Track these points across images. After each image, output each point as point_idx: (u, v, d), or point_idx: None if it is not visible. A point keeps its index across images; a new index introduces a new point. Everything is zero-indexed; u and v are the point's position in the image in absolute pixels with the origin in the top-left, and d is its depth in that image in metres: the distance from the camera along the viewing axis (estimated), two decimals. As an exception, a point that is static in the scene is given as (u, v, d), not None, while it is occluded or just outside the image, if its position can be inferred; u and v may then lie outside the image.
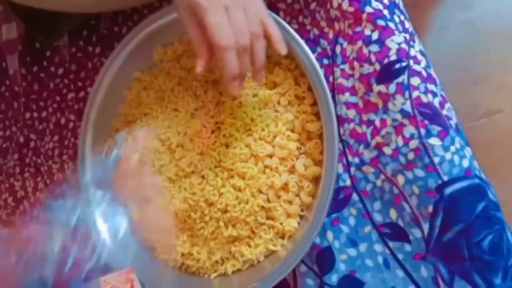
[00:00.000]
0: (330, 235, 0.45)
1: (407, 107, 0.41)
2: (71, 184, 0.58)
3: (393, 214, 0.43)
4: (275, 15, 0.45)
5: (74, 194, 0.56)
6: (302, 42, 0.44)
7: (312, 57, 0.44)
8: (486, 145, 0.66)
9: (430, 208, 0.41)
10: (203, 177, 0.46)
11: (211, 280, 0.48)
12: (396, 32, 0.42)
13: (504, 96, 0.65)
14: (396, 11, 0.44)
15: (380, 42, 0.43)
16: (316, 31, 0.48)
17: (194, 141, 0.46)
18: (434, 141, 0.41)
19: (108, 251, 0.51)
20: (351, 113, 0.45)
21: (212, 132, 0.46)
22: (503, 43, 0.66)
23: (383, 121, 0.43)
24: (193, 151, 0.46)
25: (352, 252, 0.45)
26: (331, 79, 0.47)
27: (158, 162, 0.48)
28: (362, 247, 0.45)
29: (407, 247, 0.43)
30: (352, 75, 0.45)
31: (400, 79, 0.42)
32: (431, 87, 0.42)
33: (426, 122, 0.41)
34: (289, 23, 0.48)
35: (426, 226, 0.42)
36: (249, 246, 0.46)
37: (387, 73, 0.42)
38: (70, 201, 0.42)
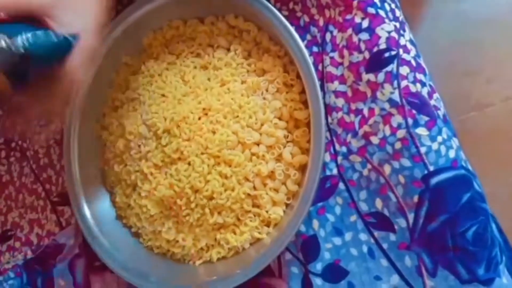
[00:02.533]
0: (315, 223, 0.46)
1: (396, 96, 0.41)
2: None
3: (378, 203, 0.44)
4: (264, 1, 0.44)
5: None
6: (291, 29, 0.44)
7: (302, 44, 0.43)
8: (476, 138, 0.66)
9: (416, 198, 0.41)
10: (189, 163, 0.46)
11: (196, 267, 0.48)
12: (386, 20, 0.42)
13: (495, 90, 0.65)
14: (387, -1, 0.44)
15: (370, 30, 0.42)
16: (306, 18, 0.47)
17: (180, 127, 0.46)
18: (421, 131, 0.41)
19: (93, 237, 0.51)
20: (340, 102, 0.45)
21: (199, 118, 0.46)
22: (496, 35, 0.66)
23: (371, 110, 0.43)
24: (179, 137, 0.46)
25: (337, 241, 0.45)
26: (320, 67, 0.46)
27: (144, 148, 0.48)
28: (347, 236, 0.45)
29: (392, 237, 0.43)
30: (342, 63, 0.45)
31: (389, 68, 0.42)
32: (420, 76, 0.42)
33: (414, 111, 0.41)
34: (279, 10, 0.47)
35: (411, 216, 0.42)
36: (235, 233, 0.46)
37: (376, 62, 0.42)
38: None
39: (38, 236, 0.58)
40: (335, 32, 0.45)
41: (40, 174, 0.59)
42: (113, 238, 0.52)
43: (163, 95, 0.49)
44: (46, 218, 0.58)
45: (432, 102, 0.41)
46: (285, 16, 0.45)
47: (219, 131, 0.45)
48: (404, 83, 0.41)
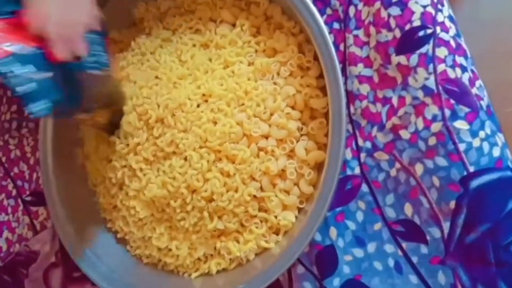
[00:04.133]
0: (333, 232, 0.46)
1: (431, 83, 0.41)
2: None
3: (408, 209, 0.44)
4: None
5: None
6: (308, 1, 0.44)
7: (320, 20, 0.43)
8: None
9: (452, 204, 0.41)
10: (185, 158, 0.46)
11: (192, 280, 0.49)
12: (421, -8, 0.42)
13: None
14: (423, -33, 0.43)
15: (402, 4, 0.42)
16: (326, -11, 0.47)
17: (176, 116, 0.46)
18: (460, 124, 0.41)
19: (72, 243, 0.51)
20: (365, 89, 0.45)
21: (198, 106, 0.46)
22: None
23: (401, 99, 0.43)
24: (174, 128, 0.46)
25: (359, 252, 0.45)
26: (341, 47, 0.46)
27: (133, 140, 0.48)
28: (371, 247, 0.45)
29: (423, 249, 0.43)
30: (367, 43, 0.45)
31: (423, 50, 0.42)
32: (460, 60, 0.42)
33: (452, 101, 0.41)
34: (295, -22, 0.47)
35: (446, 225, 0.42)
36: (238, 242, 0.47)
37: (409, 42, 0.42)
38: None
39: (8, 241, 0.59)
40: (360, 5, 0.45)
41: (11, 168, 0.60)
42: (95, 245, 0.52)
43: (156, 77, 0.49)
44: (18, 221, 0.59)
45: (474, 91, 0.41)
46: (301, -14, 0.45)
47: (221, 121, 0.45)
48: (441, 67, 0.41)
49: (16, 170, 0.60)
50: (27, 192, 0.59)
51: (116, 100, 0.48)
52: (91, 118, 0.45)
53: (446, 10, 0.43)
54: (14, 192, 0.59)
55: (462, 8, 0.61)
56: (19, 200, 0.59)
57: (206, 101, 0.47)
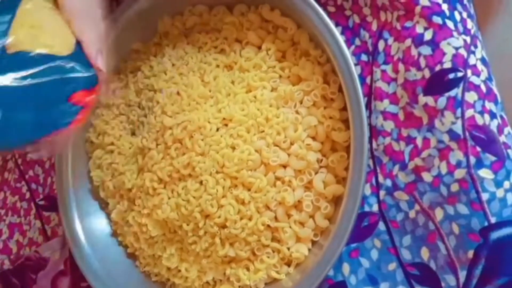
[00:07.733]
0: (346, 268, 0.46)
1: (457, 127, 0.42)
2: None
3: (424, 253, 0.44)
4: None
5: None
6: (335, 30, 0.44)
7: (346, 50, 0.43)
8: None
9: (470, 253, 0.41)
10: (201, 182, 0.47)
11: (199, 304, 0.50)
12: (454, 33, 0.42)
13: None
14: (458, 6, 0.43)
15: (434, 44, 0.42)
16: (356, 19, 0.47)
17: (194, 138, 0.47)
18: (485, 173, 0.41)
19: (81, 254, 0.53)
20: (389, 125, 0.45)
21: (218, 129, 0.47)
22: None
23: (426, 140, 0.43)
24: (192, 150, 0.47)
25: (371, 291, 0.46)
26: (368, 80, 0.47)
27: (149, 160, 0.49)
28: (383, 287, 0.45)
29: (437, 296, 0.43)
30: (395, 80, 0.45)
31: (452, 93, 0.42)
32: (489, 105, 0.42)
33: (478, 149, 0.41)
34: (324, 5, 0.48)
35: (462, 274, 0.42)
36: (248, 270, 0.47)
37: (438, 83, 0.42)
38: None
39: (18, 244, 0.60)
40: (390, 40, 0.45)
41: (26, 171, 0.61)
42: (105, 257, 0.53)
43: (177, 93, 0.50)
44: (29, 224, 0.60)
45: (502, 139, 0.41)
46: (330, 13, 0.45)
47: (239, 147, 0.46)
48: (469, 112, 0.41)
49: (31, 173, 0.61)
50: (41, 196, 0.60)
51: None
52: None
53: (479, 52, 0.43)
54: (27, 195, 0.61)
55: (495, 31, 0.60)
56: (32, 204, 0.60)
57: (226, 125, 0.47)
